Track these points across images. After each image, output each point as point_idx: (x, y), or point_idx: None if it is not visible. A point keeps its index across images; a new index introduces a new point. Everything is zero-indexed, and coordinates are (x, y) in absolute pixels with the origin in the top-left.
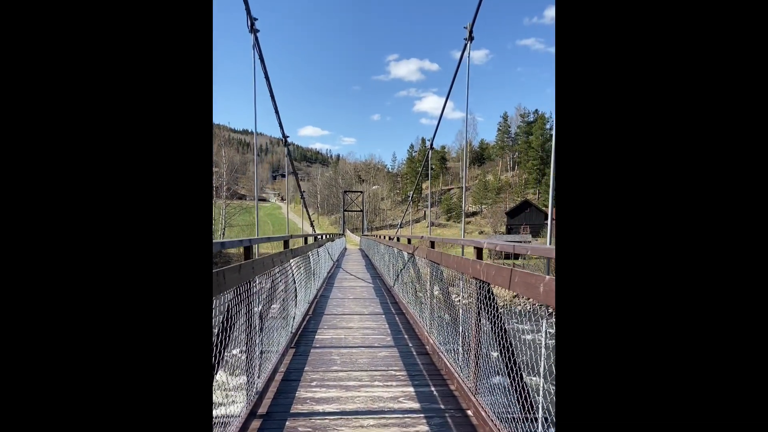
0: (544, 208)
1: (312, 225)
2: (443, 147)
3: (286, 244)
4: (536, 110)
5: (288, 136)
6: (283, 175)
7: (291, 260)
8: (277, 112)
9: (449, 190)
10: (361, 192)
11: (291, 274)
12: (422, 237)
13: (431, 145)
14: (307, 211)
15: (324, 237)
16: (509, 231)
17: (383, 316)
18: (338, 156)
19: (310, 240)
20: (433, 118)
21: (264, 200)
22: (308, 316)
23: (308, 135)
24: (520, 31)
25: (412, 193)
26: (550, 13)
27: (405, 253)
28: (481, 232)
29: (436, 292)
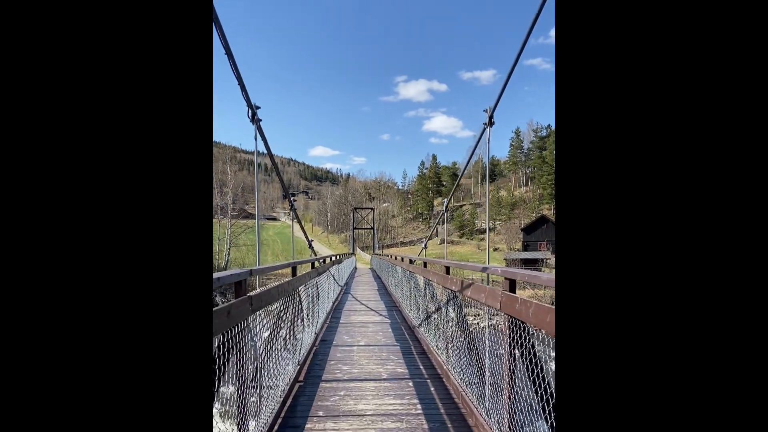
0: None
1: (310, 245)
2: (454, 163)
3: (239, 287)
4: (549, 125)
5: (259, 107)
6: (293, 194)
7: (256, 313)
8: (234, 66)
9: (461, 206)
10: (372, 209)
11: (253, 342)
12: (485, 268)
13: (490, 117)
14: (302, 226)
15: (328, 260)
16: (525, 248)
17: (410, 381)
18: (348, 175)
19: (306, 268)
20: (443, 137)
21: (274, 219)
22: (297, 384)
23: (319, 155)
24: (527, 51)
25: (447, 202)
26: None
27: (440, 289)
28: (495, 249)
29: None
